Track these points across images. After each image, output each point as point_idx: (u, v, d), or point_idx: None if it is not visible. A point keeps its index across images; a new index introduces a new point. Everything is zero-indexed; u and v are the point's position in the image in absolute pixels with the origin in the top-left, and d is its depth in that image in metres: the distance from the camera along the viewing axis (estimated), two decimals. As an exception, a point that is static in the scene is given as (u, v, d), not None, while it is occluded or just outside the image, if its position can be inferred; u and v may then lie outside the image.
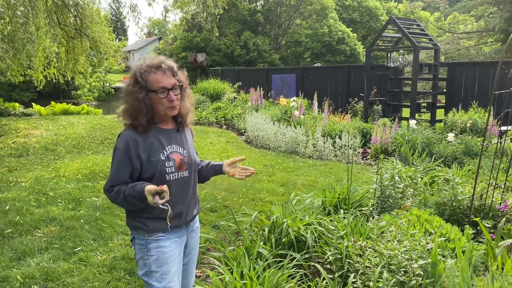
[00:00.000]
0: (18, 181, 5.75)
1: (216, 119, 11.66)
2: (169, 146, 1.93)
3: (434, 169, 5.16)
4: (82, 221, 4.29)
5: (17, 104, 13.53)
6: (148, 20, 61.35)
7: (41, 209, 4.64)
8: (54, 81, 13.29)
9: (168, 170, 1.89)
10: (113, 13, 65.11)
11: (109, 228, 4.11)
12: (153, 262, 1.90)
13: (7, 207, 4.66)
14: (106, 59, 14.20)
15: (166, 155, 1.90)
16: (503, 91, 3.29)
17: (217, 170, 2.15)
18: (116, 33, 57.05)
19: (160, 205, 1.72)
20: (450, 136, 6.79)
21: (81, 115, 13.43)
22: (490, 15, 23.33)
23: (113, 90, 27.25)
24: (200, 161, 2.23)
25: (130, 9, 10.82)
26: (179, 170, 1.94)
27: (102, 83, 27.31)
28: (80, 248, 3.68)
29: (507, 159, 4.45)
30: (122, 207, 1.91)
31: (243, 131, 10.16)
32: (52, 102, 14.39)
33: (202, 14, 25.40)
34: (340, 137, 7.81)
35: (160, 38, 47.10)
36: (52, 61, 12.52)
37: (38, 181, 5.74)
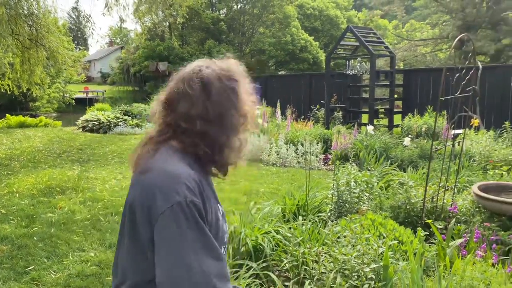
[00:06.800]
0: (-32, 199, 5.48)
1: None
2: (218, 198, 1.27)
3: (390, 173, 5.31)
4: (35, 238, 4.13)
5: (-31, 118, 12.95)
6: (109, 29, 60.34)
7: (-8, 227, 4.43)
8: (9, 92, 12.79)
9: (225, 238, 1.24)
10: (73, 22, 63.53)
11: (64, 245, 3.98)
12: None
13: (-46, 227, 4.42)
14: (65, 69, 13.82)
15: (222, 213, 1.24)
16: (448, 97, 3.44)
17: None
18: (76, 42, 55.65)
19: None
20: (406, 140, 7.01)
21: (39, 128, 12.99)
22: (444, 23, 24.38)
23: (73, 101, 26.50)
24: None
25: (84, 20, 10.62)
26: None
27: (62, 94, 26.50)
28: (33, 267, 3.53)
29: (459, 161, 4.64)
30: None
31: (206, 140, 10.11)
32: (7, 115, 13.86)
33: (164, 23, 25.23)
34: (302, 144, 7.92)
35: (122, 47, 46.33)
36: (6, 72, 12.07)
37: (-11, 198, 5.49)
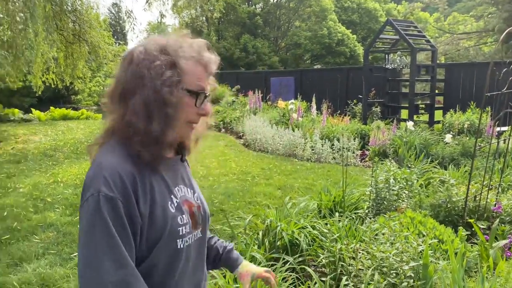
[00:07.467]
0: (16, 187, 5.77)
1: (214, 122, 11.69)
2: (177, 188, 1.14)
3: (430, 171, 5.17)
4: (79, 226, 4.31)
5: (16, 110, 13.58)
6: (148, 24, 61.49)
7: (39, 215, 4.66)
8: (53, 86, 13.32)
9: (182, 231, 1.08)
10: (113, 17, 65.16)
11: (106, 233, 4.13)
12: None
13: (5, 213, 4.68)
14: (106, 63, 14.24)
15: (176, 205, 1.10)
16: (494, 93, 3.30)
17: (227, 264, 1.40)
18: (115, 37, 57.04)
19: None
20: (448, 137, 6.79)
21: (80, 120, 13.48)
22: (489, 15, 23.37)
23: (113, 94, 27.30)
24: None
25: (126, 15, 10.88)
26: (193, 230, 1.13)
27: (102, 88, 27.36)
28: (77, 253, 3.69)
29: (504, 159, 4.45)
30: None
31: (241, 134, 10.18)
32: (51, 107, 14.45)
33: (201, 18, 25.51)
34: (338, 140, 7.82)
35: (160, 42, 47.16)
36: (51, 66, 12.58)
37: (36, 187, 5.76)
